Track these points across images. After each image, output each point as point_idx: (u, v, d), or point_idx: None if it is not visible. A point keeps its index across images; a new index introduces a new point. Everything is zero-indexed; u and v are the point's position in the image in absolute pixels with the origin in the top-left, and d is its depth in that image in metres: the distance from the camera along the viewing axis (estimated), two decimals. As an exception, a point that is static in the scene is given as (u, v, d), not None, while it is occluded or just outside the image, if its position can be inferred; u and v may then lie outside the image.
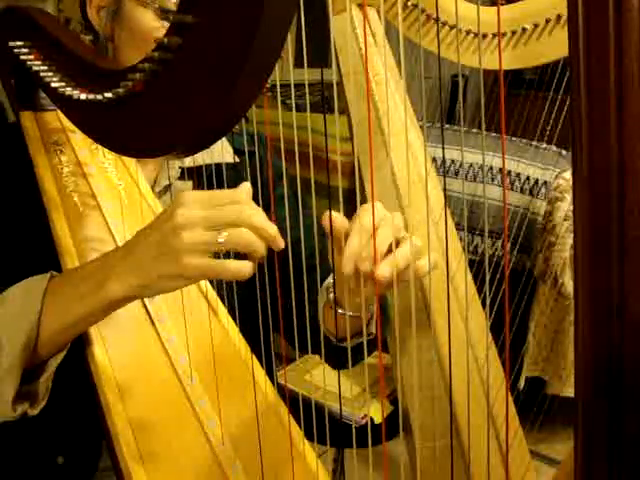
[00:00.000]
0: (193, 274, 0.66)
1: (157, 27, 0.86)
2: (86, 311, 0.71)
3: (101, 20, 0.91)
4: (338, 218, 0.72)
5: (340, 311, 0.83)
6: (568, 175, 1.81)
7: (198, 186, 0.95)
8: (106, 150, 0.90)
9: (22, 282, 0.75)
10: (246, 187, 0.69)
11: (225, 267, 0.65)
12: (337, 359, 0.90)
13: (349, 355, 0.81)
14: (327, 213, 0.71)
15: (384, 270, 0.69)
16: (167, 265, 0.65)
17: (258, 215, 0.66)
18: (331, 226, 0.71)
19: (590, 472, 0.45)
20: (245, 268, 0.65)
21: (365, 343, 0.80)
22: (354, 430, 1.40)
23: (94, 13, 0.92)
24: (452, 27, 1.10)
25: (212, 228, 0.65)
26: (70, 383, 0.82)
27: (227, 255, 0.67)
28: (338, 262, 0.74)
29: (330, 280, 0.87)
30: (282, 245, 0.68)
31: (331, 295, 0.85)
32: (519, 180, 1.84)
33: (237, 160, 1.02)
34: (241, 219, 0.65)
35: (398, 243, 0.72)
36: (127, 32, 0.90)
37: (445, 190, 1.03)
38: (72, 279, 0.74)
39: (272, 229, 0.66)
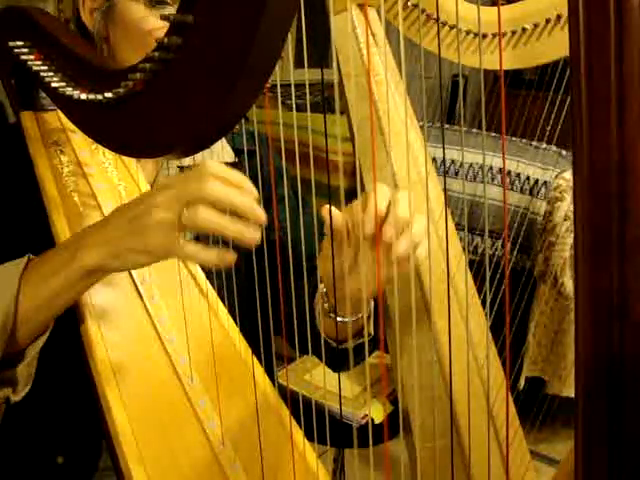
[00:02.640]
0: (162, 252, 0.68)
1: (149, 17, 0.87)
2: (60, 284, 0.72)
3: (95, 22, 0.91)
4: (337, 214, 0.72)
5: (338, 319, 0.83)
6: (568, 175, 1.81)
7: None
8: (106, 150, 0.90)
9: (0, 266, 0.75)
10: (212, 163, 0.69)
11: (195, 255, 0.67)
12: (336, 361, 0.90)
13: (345, 357, 0.81)
14: (326, 207, 0.71)
15: (402, 246, 0.70)
16: (135, 240, 0.67)
17: (219, 186, 0.65)
18: (332, 223, 0.72)
19: (590, 472, 0.45)
20: (207, 256, 0.66)
21: (366, 344, 0.80)
22: (354, 430, 1.40)
23: (87, 15, 0.92)
24: (452, 27, 1.10)
25: (181, 205, 0.65)
26: (70, 383, 0.82)
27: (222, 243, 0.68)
28: (336, 265, 0.74)
29: (323, 286, 0.87)
30: (262, 217, 0.67)
31: (326, 305, 0.85)
32: (519, 180, 1.84)
33: (236, 160, 1.02)
34: (203, 192, 0.65)
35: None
36: (121, 29, 0.90)
37: (445, 190, 1.03)
38: (47, 256, 0.75)
39: (238, 197, 0.66)
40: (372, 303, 0.87)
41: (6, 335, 0.71)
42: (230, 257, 0.67)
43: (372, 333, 0.87)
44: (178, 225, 0.65)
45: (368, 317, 0.85)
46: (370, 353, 0.85)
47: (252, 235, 0.66)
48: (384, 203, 0.71)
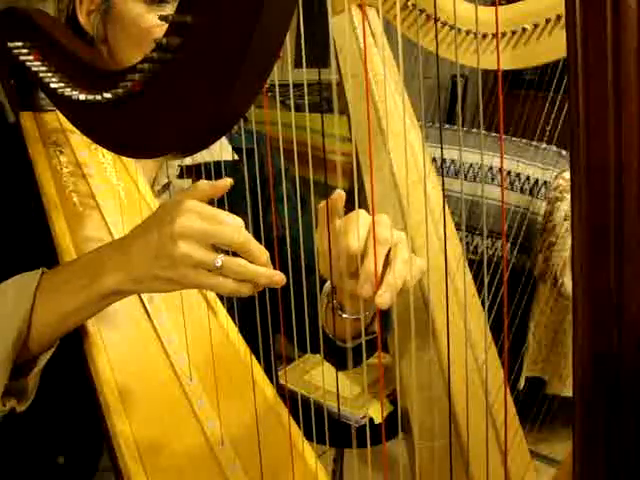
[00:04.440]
0: (188, 284, 0.67)
1: (148, 13, 0.87)
2: (77, 305, 0.72)
3: (92, 23, 0.91)
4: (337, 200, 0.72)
5: (344, 315, 0.83)
6: (568, 175, 1.80)
7: None
8: (105, 150, 0.90)
9: (14, 278, 0.75)
10: (227, 182, 0.70)
11: (222, 286, 0.66)
12: (339, 360, 0.90)
13: (350, 356, 0.81)
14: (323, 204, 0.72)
15: (385, 297, 0.69)
16: (164, 269, 0.66)
17: (252, 241, 0.67)
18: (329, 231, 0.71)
19: (588, 472, 0.45)
20: (242, 290, 0.66)
21: (365, 343, 0.80)
22: (354, 430, 1.40)
23: (85, 17, 0.92)
24: (452, 27, 1.10)
25: (208, 244, 0.65)
26: (70, 383, 0.82)
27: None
28: (334, 261, 0.74)
29: (329, 285, 0.87)
30: (279, 280, 0.68)
31: (334, 302, 0.85)
32: (519, 180, 1.84)
33: (236, 158, 1.02)
34: (235, 240, 0.66)
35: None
36: (120, 28, 0.90)
37: (443, 190, 1.03)
38: (64, 274, 0.75)
39: (264, 256, 0.67)
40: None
41: (19, 348, 0.72)
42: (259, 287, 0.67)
43: (376, 332, 0.87)
44: (207, 265, 0.65)
45: (374, 316, 0.85)
46: (371, 354, 0.85)
47: (281, 277, 0.67)
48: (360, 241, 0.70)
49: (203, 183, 0.70)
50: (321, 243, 0.76)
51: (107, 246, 0.74)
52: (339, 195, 0.72)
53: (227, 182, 0.70)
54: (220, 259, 0.65)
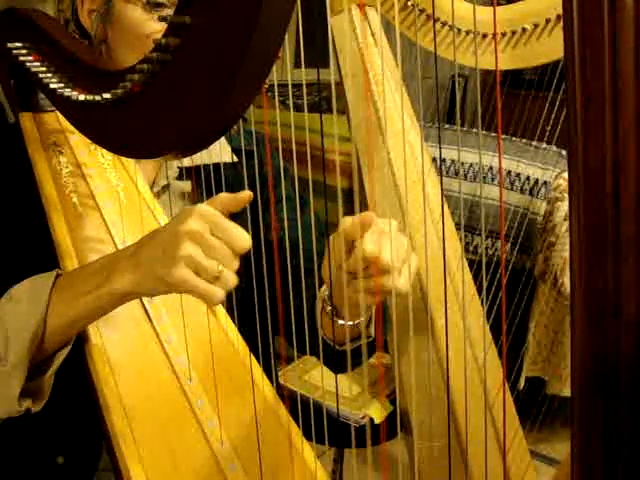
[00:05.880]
0: (185, 287, 0.67)
1: (147, 21, 0.87)
2: (89, 307, 0.73)
3: (93, 23, 0.91)
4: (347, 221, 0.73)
5: (340, 322, 0.83)
6: (568, 175, 1.80)
7: (197, 186, 0.95)
8: (105, 151, 0.90)
9: (29, 279, 0.76)
10: (247, 194, 0.71)
11: (215, 296, 0.67)
12: (337, 363, 0.90)
13: (349, 359, 0.82)
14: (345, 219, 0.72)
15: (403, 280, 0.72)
16: (165, 268, 0.67)
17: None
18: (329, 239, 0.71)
19: (587, 471, 0.45)
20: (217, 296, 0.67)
21: (365, 346, 0.80)
22: (353, 430, 1.40)
23: (86, 17, 0.92)
24: (452, 27, 1.10)
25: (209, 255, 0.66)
26: (70, 383, 0.82)
27: None
28: (335, 272, 0.74)
29: (324, 290, 0.87)
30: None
31: (328, 308, 0.85)
32: (519, 180, 1.84)
33: (236, 160, 1.02)
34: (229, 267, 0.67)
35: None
36: (119, 31, 0.90)
37: (442, 190, 1.03)
38: (79, 276, 0.76)
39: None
40: (373, 306, 0.87)
41: (35, 349, 0.73)
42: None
43: (373, 335, 0.87)
44: (207, 273, 0.66)
45: (369, 319, 0.85)
46: (370, 354, 0.85)
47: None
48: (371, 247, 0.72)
49: (224, 195, 0.70)
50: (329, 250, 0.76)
51: (124, 249, 0.75)
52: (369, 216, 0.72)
53: (247, 195, 0.70)
54: (221, 267, 0.66)
